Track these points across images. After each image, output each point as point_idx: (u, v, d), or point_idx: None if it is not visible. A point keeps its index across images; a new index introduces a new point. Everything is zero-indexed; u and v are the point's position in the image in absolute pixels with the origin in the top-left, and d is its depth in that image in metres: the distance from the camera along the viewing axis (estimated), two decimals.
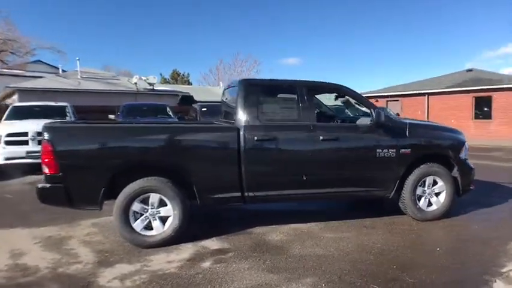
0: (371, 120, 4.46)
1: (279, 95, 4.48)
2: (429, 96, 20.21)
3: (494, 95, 17.83)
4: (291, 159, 4.21)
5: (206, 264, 3.48)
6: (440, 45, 69.38)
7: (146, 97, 17.53)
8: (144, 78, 18.32)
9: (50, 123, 3.93)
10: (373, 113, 4.40)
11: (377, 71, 69.47)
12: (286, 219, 4.74)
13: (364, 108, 4.54)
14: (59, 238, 4.22)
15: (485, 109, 18.39)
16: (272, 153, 4.15)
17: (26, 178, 7.87)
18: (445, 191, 4.65)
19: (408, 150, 4.47)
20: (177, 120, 11.50)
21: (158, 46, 69.20)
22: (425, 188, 4.62)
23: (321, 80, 4.66)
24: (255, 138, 4.06)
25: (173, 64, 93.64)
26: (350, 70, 67.34)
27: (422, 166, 4.56)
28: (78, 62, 19.05)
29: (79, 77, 18.58)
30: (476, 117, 18.68)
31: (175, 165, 3.95)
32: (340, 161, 4.34)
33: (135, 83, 18.22)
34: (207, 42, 64.85)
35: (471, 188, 4.89)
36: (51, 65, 31.08)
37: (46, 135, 3.65)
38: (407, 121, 4.71)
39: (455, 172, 4.72)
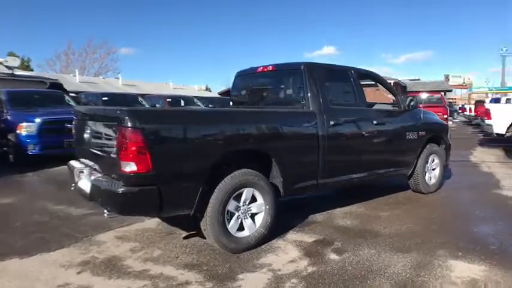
0: (396, 106, 4.90)
1: (339, 80, 4.43)
2: None
3: None
4: (356, 143, 4.26)
5: (333, 256, 3.26)
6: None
7: (3, 84, 13.94)
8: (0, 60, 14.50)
9: (133, 107, 2.90)
10: (399, 99, 4.86)
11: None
12: (322, 205, 4.75)
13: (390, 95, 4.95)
14: (101, 261, 3.18)
15: None
16: (342, 137, 4.11)
17: None
18: (439, 167, 5.51)
19: (424, 133, 5.11)
20: None
21: None
22: (429, 165, 5.37)
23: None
24: (331, 123, 3.95)
25: (7, 46, 74.88)
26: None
27: (427, 146, 5.28)
28: None
29: None
30: None
31: (267, 154, 3.50)
32: (386, 143, 4.63)
33: None
34: (53, 25, 54.75)
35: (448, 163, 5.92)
36: None
37: (132, 122, 2.70)
38: (421, 108, 5.36)
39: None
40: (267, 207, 3.47)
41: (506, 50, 48.21)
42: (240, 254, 3.31)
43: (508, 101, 18.47)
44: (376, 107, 5.15)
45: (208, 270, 3.02)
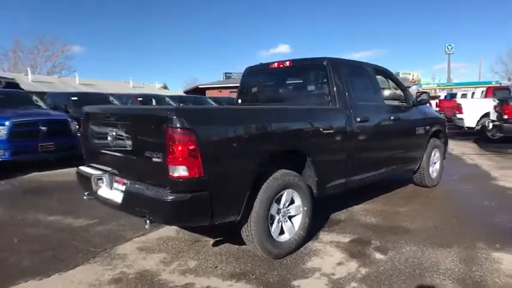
0: (404, 102, 4.94)
1: (359, 75, 4.35)
2: None
3: None
4: (378, 139, 4.21)
5: (378, 256, 3.17)
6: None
7: None
8: None
9: (180, 106, 2.60)
10: (407, 94, 4.91)
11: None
12: (337, 203, 4.67)
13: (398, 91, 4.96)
14: (134, 277, 2.87)
15: None
16: (367, 134, 4.04)
17: None
18: (439, 161, 5.66)
19: (429, 127, 5.21)
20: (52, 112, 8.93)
21: None
22: (431, 159, 5.49)
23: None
24: (357, 119, 3.87)
25: None
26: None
27: (431, 141, 5.39)
28: None
29: None
30: None
31: (303, 153, 3.35)
32: (402, 139, 4.66)
33: None
34: None
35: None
36: None
37: (183, 122, 2.43)
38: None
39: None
40: (305, 208, 3.33)
41: (452, 49, 51.40)
42: (282, 259, 3.14)
43: (463, 96, 19.64)
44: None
45: (258, 279, 2.82)
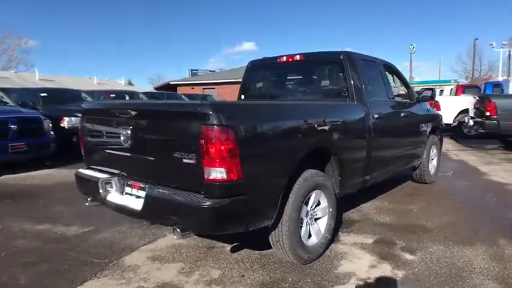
0: (407, 98, 4.90)
1: (372, 71, 4.21)
2: None
3: None
4: (391, 136, 4.13)
5: (408, 256, 3.06)
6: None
7: None
8: None
9: (215, 101, 2.32)
10: (411, 90, 4.88)
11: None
12: (344, 203, 4.55)
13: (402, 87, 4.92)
14: None
15: None
16: (383, 131, 3.93)
17: None
18: (436, 157, 5.70)
19: (430, 124, 5.21)
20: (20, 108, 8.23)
21: None
22: (430, 155, 5.51)
23: None
24: (375, 116, 3.75)
25: None
26: None
27: (430, 137, 5.40)
28: None
29: None
30: None
31: (329, 151, 3.17)
32: (410, 135, 4.61)
33: None
34: None
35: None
36: None
37: (221, 119, 2.17)
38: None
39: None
40: (331, 210, 3.16)
41: (414, 48, 53.45)
42: (310, 264, 2.96)
43: (441, 92, 20.23)
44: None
45: None
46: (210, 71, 42.70)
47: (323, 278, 2.74)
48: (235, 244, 3.35)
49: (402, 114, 4.37)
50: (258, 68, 4.49)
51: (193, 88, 23.06)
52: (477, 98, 9.30)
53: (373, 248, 3.25)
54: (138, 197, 2.72)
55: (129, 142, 2.67)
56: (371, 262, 2.98)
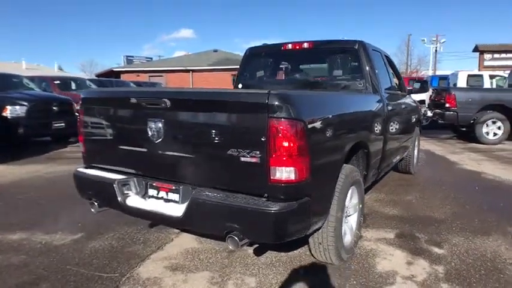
0: (399, 90, 4.93)
1: (380, 62, 4.08)
2: (193, 73, 21.57)
3: None
4: (399, 127, 4.07)
5: (437, 250, 3.03)
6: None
7: None
8: None
9: (282, 90, 2.00)
10: (402, 82, 4.91)
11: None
12: None
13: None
14: None
15: None
16: (394, 122, 3.87)
17: None
18: (417, 148, 5.87)
19: (416, 116, 5.31)
20: None
21: None
22: (415, 146, 5.65)
23: None
24: (389, 108, 3.68)
25: None
26: None
27: (415, 129, 5.53)
28: None
29: None
30: None
31: (363, 144, 3.02)
32: (408, 127, 4.63)
33: None
34: None
35: None
36: None
37: (290, 111, 1.88)
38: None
39: None
40: (360, 206, 3.03)
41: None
42: (346, 264, 2.80)
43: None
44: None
45: None
46: (147, 57, 40.76)
47: (368, 279, 2.60)
48: (255, 246, 3.09)
49: (403, 106, 4.38)
50: (258, 56, 4.19)
51: (138, 75, 21.73)
52: (434, 90, 9.84)
53: (399, 243, 3.19)
54: (167, 200, 2.34)
55: (160, 137, 2.26)
56: (405, 258, 2.91)
